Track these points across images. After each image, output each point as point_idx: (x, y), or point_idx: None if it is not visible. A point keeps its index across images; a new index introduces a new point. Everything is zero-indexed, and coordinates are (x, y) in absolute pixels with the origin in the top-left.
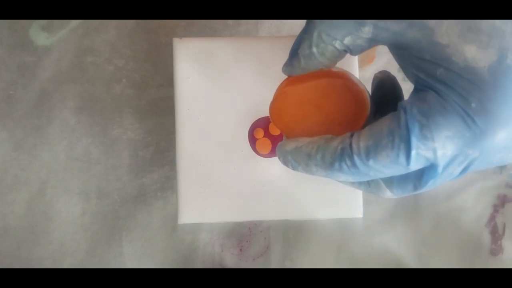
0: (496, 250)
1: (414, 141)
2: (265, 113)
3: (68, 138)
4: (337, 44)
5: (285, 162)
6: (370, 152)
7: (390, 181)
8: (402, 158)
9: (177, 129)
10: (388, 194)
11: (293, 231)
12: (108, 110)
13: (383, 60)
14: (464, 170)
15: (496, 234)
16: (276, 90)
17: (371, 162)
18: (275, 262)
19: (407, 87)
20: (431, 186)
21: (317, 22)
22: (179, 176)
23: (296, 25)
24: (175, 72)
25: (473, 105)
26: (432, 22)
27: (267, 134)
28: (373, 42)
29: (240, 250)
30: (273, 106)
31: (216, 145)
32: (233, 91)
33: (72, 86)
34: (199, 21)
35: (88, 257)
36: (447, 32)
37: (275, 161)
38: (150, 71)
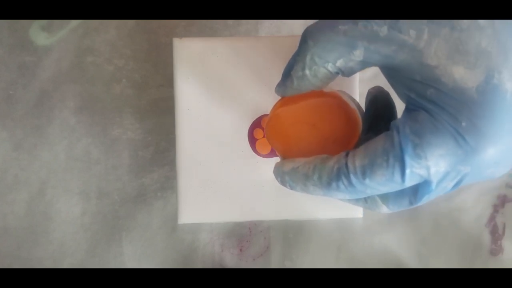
0: (496, 250)
1: (408, 160)
2: (265, 113)
3: (68, 138)
4: (330, 67)
5: (283, 183)
6: (366, 171)
7: (386, 197)
8: (397, 177)
9: (177, 129)
10: (384, 209)
11: (293, 231)
12: (108, 110)
13: None
14: (457, 184)
15: (496, 234)
16: (270, 112)
17: (367, 181)
18: (275, 262)
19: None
20: (426, 200)
21: (310, 45)
22: (179, 176)
23: (296, 25)
24: (175, 72)
25: (463, 124)
26: (421, 45)
27: None
28: (364, 64)
29: (240, 250)
30: (269, 126)
31: (216, 145)
32: (233, 91)
33: (72, 86)
34: (199, 21)
35: (88, 257)
36: (436, 54)
37: (274, 161)
38: (150, 71)
